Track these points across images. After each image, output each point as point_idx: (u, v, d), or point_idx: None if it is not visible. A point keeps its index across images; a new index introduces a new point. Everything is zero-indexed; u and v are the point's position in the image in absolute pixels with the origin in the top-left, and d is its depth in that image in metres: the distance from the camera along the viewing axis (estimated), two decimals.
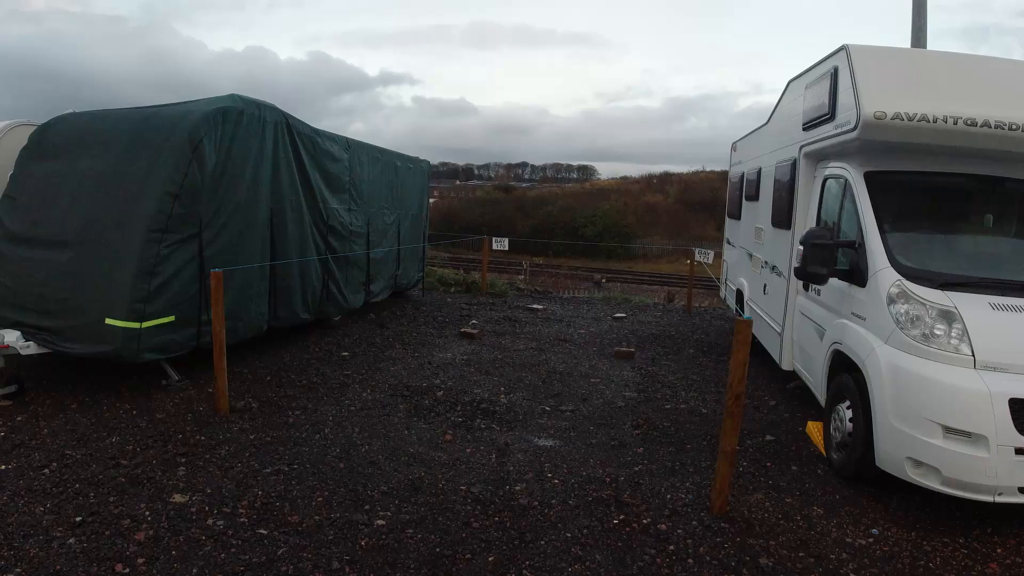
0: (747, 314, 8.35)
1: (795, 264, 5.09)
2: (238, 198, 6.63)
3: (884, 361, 4.33)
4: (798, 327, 6.11)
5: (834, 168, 5.69)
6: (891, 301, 4.43)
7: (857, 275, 4.87)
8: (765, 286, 7.37)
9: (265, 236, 7.15)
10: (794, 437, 5.55)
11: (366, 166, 9.28)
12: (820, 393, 5.47)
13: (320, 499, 4.06)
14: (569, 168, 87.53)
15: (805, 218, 6.20)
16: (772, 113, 7.76)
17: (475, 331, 9.15)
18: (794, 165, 6.42)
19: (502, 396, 6.30)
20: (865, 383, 4.53)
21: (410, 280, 11.77)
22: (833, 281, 5.13)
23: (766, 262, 7.44)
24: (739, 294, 9.05)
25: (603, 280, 31.06)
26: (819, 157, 6.09)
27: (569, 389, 6.64)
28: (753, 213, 8.36)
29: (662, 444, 5.25)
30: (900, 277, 4.46)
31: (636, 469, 4.74)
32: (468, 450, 4.93)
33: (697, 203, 49.03)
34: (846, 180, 5.38)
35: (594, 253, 42.73)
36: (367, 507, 3.98)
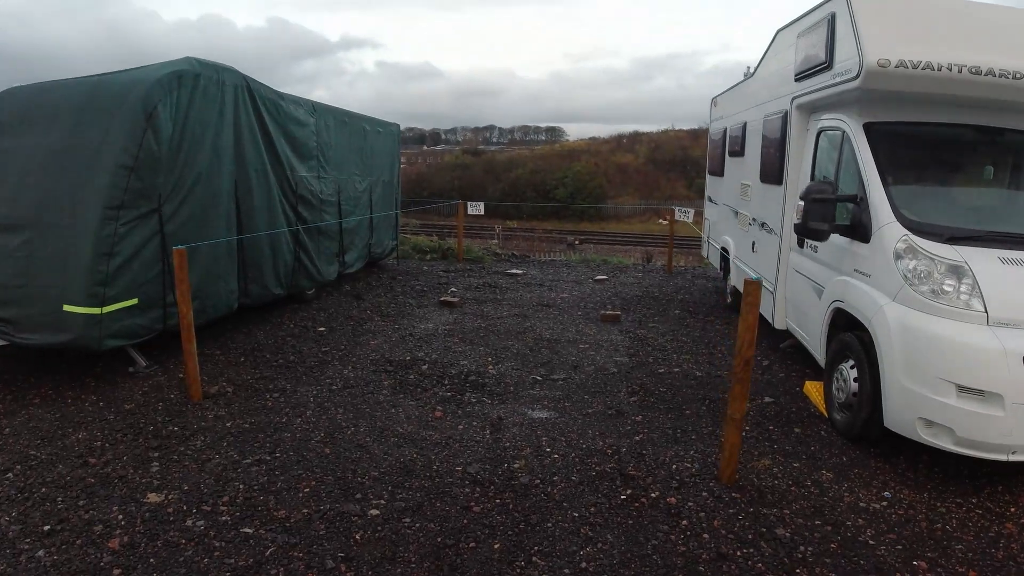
0: (733, 273, 8.21)
1: (795, 220, 4.89)
2: (199, 168, 6.17)
3: (893, 319, 4.18)
4: (792, 285, 5.96)
5: (829, 120, 5.47)
6: (898, 256, 4.27)
7: (860, 230, 4.70)
8: (754, 243, 7.21)
9: (230, 208, 6.70)
10: (792, 398, 5.44)
11: (334, 131, 8.79)
12: (818, 352, 5.35)
13: (307, 490, 3.79)
14: (537, 130, 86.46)
15: (798, 173, 6.00)
16: (758, 65, 7.48)
17: (455, 299, 8.87)
18: (785, 118, 6.18)
19: (490, 367, 6.06)
20: (871, 342, 4.41)
21: (384, 249, 11.37)
22: (833, 237, 4.96)
23: (754, 219, 7.26)
24: (724, 252, 8.91)
25: (576, 242, 30.91)
26: (812, 109, 5.86)
27: (558, 356, 6.43)
28: (738, 169, 8.14)
29: (660, 411, 5.09)
30: (907, 232, 4.29)
31: (637, 439, 4.57)
32: (460, 426, 4.71)
33: (667, 162, 48.92)
34: (844, 132, 5.16)
35: (566, 215, 42.48)
36: (359, 496, 3.74)
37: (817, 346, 5.36)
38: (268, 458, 4.17)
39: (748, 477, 4.08)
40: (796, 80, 5.90)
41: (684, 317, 8.36)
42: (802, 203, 4.75)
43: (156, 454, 4.23)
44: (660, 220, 45.13)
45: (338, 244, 9.20)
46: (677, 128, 54.54)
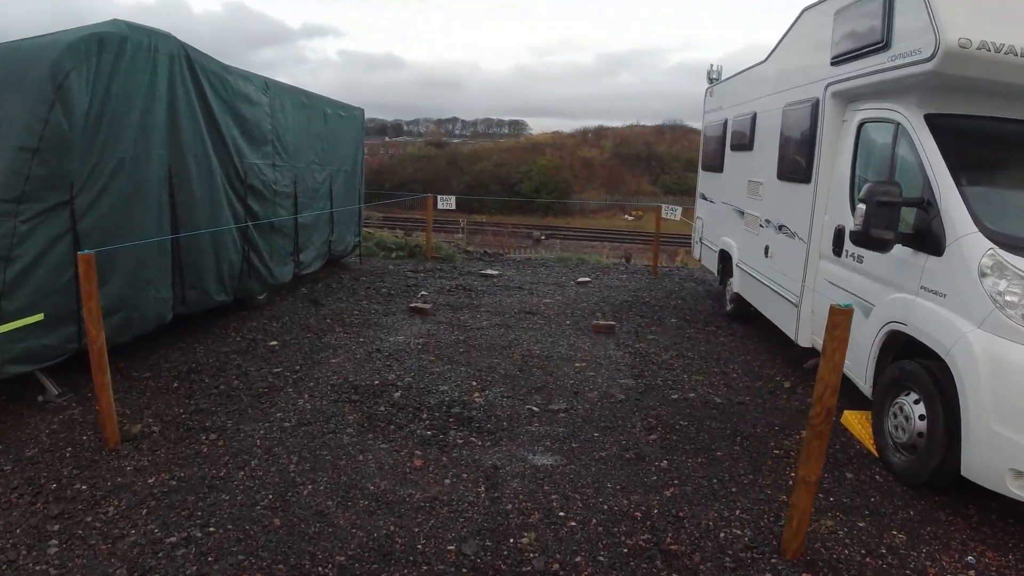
0: (737, 278, 7.47)
1: (853, 226, 4.10)
2: (123, 152, 5.05)
3: (980, 350, 3.44)
4: (824, 299, 5.20)
5: (876, 110, 4.71)
6: (983, 274, 3.53)
7: (928, 241, 3.94)
8: (767, 248, 6.45)
9: (162, 200, 5.59)
10: (833, 432, 4.67)
11: (290, 112, 7.68)
12: (863, 380, 4.60)
13: None
14: (501, 123, 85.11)
15: (832, 171, 5.24)
16: (773, 50, 6.70)
17: (427, 306, 7.90)
18: (815, 108, 5.41)
19: (476, 394, 5.14)
20: (945, 375, 3.68)
21: (346, 246, 10.30)
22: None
23: (767, 220, 6.50)
24: (724, 255, 8.16)
25: (542, 237, 30.09)
26: (850, 97, 5.10)
27: (554, 379, 5.55)
28: (744, 165, 7.38)
29: (687, 453, 4.25)
30: (993, 245, 3.55)
31: (667, 494, 3.72)
32: (447, 480, 3.77)
33: (633, 157, 48.55)
34: (898, 125, 4.41)
35: (530, 209, 41.69)
36: None
37: (861, 373, 4.61)
38: (200, 535, 3.16)
39: (813, 546, 3.28)
40: (833, 64, 5.13)
41: (683, 327, 7.58)
42: (863, 206, 3.96)
43: (57, 526, 3.20)
44: (626, 216, 44.82)
45: (293, 242, 8.11)
46: (643, 124, 54.26)
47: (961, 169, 3.96)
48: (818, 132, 5.34)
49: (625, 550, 3.17)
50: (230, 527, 3.22)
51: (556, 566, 3.03)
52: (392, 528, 3.26)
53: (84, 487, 3.53)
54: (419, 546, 3.13)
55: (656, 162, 48.06)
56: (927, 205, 3.97)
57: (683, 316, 8.10)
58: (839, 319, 2.86)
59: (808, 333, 5.55)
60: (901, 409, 4.07)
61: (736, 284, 7.51)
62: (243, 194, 6.82)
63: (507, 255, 13.83)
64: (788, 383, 5.69)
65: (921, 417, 3.91)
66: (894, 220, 3.93)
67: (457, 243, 15.50)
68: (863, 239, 4.00)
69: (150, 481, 3.62)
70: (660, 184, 46.75)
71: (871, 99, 4.82)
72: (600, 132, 52.75)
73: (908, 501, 3.82)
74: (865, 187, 4.00)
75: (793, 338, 5.69)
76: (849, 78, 4.88)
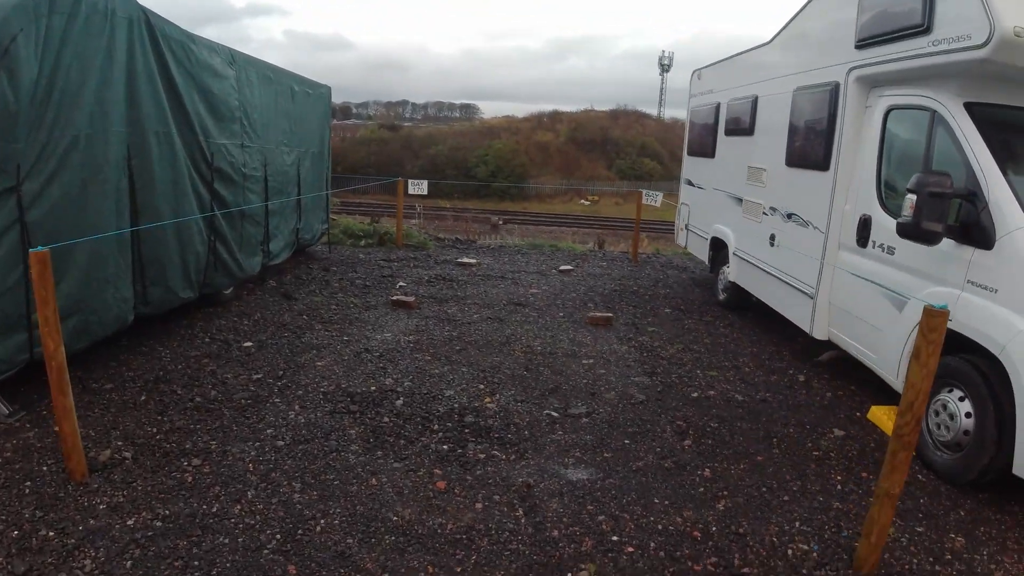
0: (734, 267, 7.27)
1: (902, 218, 3.87)
2: (77, 129, 4.37)
3: None
4: (849, 291, 5.00)
5: (906, 96, 4.50)
6: None
7: (976, 234, 3.75)
8: (773, 237, 6.24)
9: (121, 186, 4.91)
10: (863, 429, 4.50)
11: (258, 88, 6.99)
12: (894, 376, 4.41)
13: None
14: (452, 107, 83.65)
15: (853, 158, 5.02)
16: (779, 33, 6.44)
17: (411, 299, 7.40)
18: (835, 92, 5.17)
19: (487, 399, 4.73)
20: (997, 371, 3.55)
21: (314, 234, 9.66)
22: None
23: (773, 208, 6.28)
24: (717, 243, 7.95)
25: (500, 222, 29.65)
26: (874, 82, 4.88)
27: (566, 379, 5.19)
28: (743, 150, 7.15)
29: (727, 459, 3.97)
30: None
31: (720, 508, 3.42)
32: (478, 505, 3.37)
33: (588, 142, 48.44)
34: (934, 113, 4.20)
35: (486, 194, 41.08)
36: None
37: (893, 369, 4.42)
38: None
39: (883, 557, 3.04)
40: (858, 47, 4.88)
41: (679, 317, 7.34)
42: (913, 197, 3.73)
43: None
44: (583, 201, 44.74)
45: (263, 230, 7.46)
46: (597, 108, 54.17)
47: (1006, 160, 3.79)
48: (838, 118, 5.11)
49: None
50: None
51: None
52: (430, 569, 2.84)
53: (52, 534, 2.95)
54: None
55: (611, 147, 48.10)
56: (973, 197, 3.77)
57: (676, 306, 7.87)
58: (936, 322, 2.59)
59: (824, 325, 5.36)
60: (944, 407, 3.89)
61: (733, 273, 7.31)
62: (209, 178, 6.14)
63: (478, 242, 13.36)
64: (802, 376, 5.50)
65: (967, 415, 3.75)
66: (944, 212, 3.72)
67: (428, 231, 14.91)
68: (913, 231, 3.77)
69: (130, 523, 3.06)
70: (615, 169, 46.86)
71: (900, 85, 4.60)
72: (555, 116, 52.33)
73: (956, 501, 3.66)
74: (915, 177, 3.77)
75: (808, 330, 5.50)
76: (879, 62, 4.64)
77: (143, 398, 4.46)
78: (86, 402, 4.27)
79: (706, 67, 8.76)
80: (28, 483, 3.32)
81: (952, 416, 3.83)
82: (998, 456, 3.56)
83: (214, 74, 5.98)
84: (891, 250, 4.49)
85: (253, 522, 3.12)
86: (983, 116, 3.98)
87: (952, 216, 3.82)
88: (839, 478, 3.82)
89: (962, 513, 3.55)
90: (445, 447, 3.97)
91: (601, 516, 3.29)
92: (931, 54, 4.09)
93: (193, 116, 5.68)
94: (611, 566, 2.90)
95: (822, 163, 5.31)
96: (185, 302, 6.04)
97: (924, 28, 4.13)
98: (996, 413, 3.56)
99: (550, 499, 3.43)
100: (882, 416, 4.59)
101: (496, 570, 2.85)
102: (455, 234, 15.23)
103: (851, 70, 4.98)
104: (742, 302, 7.40)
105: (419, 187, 11.62)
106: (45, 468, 3.47)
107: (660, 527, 3.22)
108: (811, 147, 5.52)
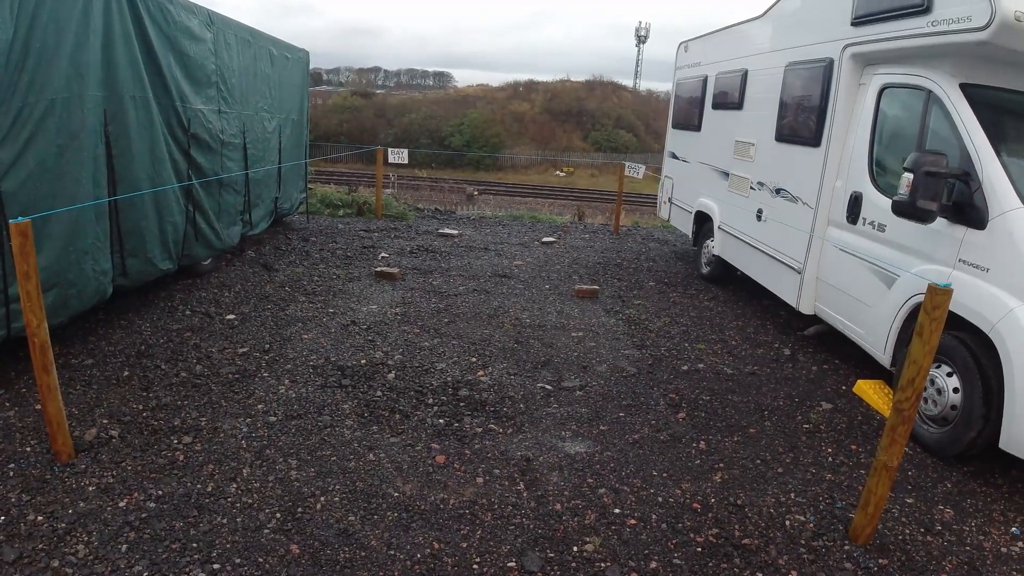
0: (719, 241, 7.32)
1: (898, 196, 3.91)
2: (53, 93, 4.14)
3: None
4: (836, 267, 5.07)
5: (901, 75, 4.52)
6: None
7: (969, 213, 3.81)
8: (760, 211, 6.28)
9: (98, 153, 4.70)
10: (850, 402, 4.61)
11: (236, 52, 6.72)
12: (881, 351, 4.51)
13: None
14: (425, 74, 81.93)
15: (845, 135, 5.04)
16: (773, 5, 6.38)
17: (394, 270, 7.31)
18: (828, 69, 5.17)
19: (480, 372, 4.71)
20: (985, 348, 3.66)
21: (292, 204, 9.42)
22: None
23: (760, 183, 6.31)
24: (701, 216, 7.99)
25: (475, 193, 29.38)
26: (869, 60, 4.88)
27: (556, 352, 5.19)
28: (730, 124, 7.14)
29: (720, 432, 4.03)
30: None
31: (717, 480, 3.49)
32: (479, 480, 3.37)
33: (564, 112, 47.95)
34: (929, 93, 4.23)
35: (460, 164, 40.62)
36: None
37: (880, 344, 4.51)
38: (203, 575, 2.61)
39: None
40: (855, 24, 4.87)
41: (664, 290, 7.39)
42: (910, 176, 3.77)
43: None
44: (557, 172, 44.52)
45: (243, 199, 7.25)
46: (573, 79, 53.55)
47: (1000, 142, 3.85)
48: (831, 95, 5.12)
49: (699, 549, 2.90)
50: (238, 561, 2.69)
51: (635, 574, 2.72)
52: (436, 545, 2.84)
53: (40, 518, 2.86)
54: (474, 565, 2.73)
55: (587, 118, 47.74)
56: (967, 178, 3.82)
57: (660, 279, 7.91)
58: (940, 299, 2.63)
59: (811, 300, 5.44)
60: (932, 382, 4.00)
61: (717, 247, 7.36)
62: (186, 144, 5.91)
63: (458, 213, 13.23)
64: (788, 350, 5.60)
65: (955, 390, 3.86)
66: (940, 191, 3.78)
67: (402, 199, 14.69)
68: (909, 209, 3.82)
69: (122, 504, 2.98)
70: (591, 140, 46.60)
71: (895, 63, 4.61)
72: (530, 86, 51.58)
73: (942, 473, 3.78)
74: (911, 156, 3.80)
75: (794, 304, 5.58)
76: (875, 40, 4.64)
77: (126, 373, 4.34)
78: (67, 378, 4.13)
79: (693, 39, 8.69)
80: (12, 465, 3.21)
81: (940, 391, 3.94)
82: (984, 430, 3.68)
83: (191, 36, 5.71)
84: (882, 227, 4.55)
85: (251, 501, 3.08)
86: (979, 98, 4.02)
87: (945, 196, 3.88)
88: (829, 450, 3.92)
89: (949, 485, 3.67)
90: (441, 421, 3.95)
91: (602, 489, 3.33)
92: (930, 34, 4.09)
93: (169, 80, 5.44)
94: (616, 539, 2.94)
95: (813, 139, 5.33)
96: (164, 274, 5.86)
97: (924, 8, 4.13)
98: (983, 389, 3.66)
99: (550, 473, 3.45)
100: (868, 390, 4.70)
101: (502, 544, 2.86)
102: (432, 204, 15.06)
103: (846, 47, 4.97)
104: (725, 275, 7.47)
105: (399, 156, 11.40)
106: (28, 449, 3.36)
107: (660, 499, 3.27)
108: (802, 123, 5.54)
